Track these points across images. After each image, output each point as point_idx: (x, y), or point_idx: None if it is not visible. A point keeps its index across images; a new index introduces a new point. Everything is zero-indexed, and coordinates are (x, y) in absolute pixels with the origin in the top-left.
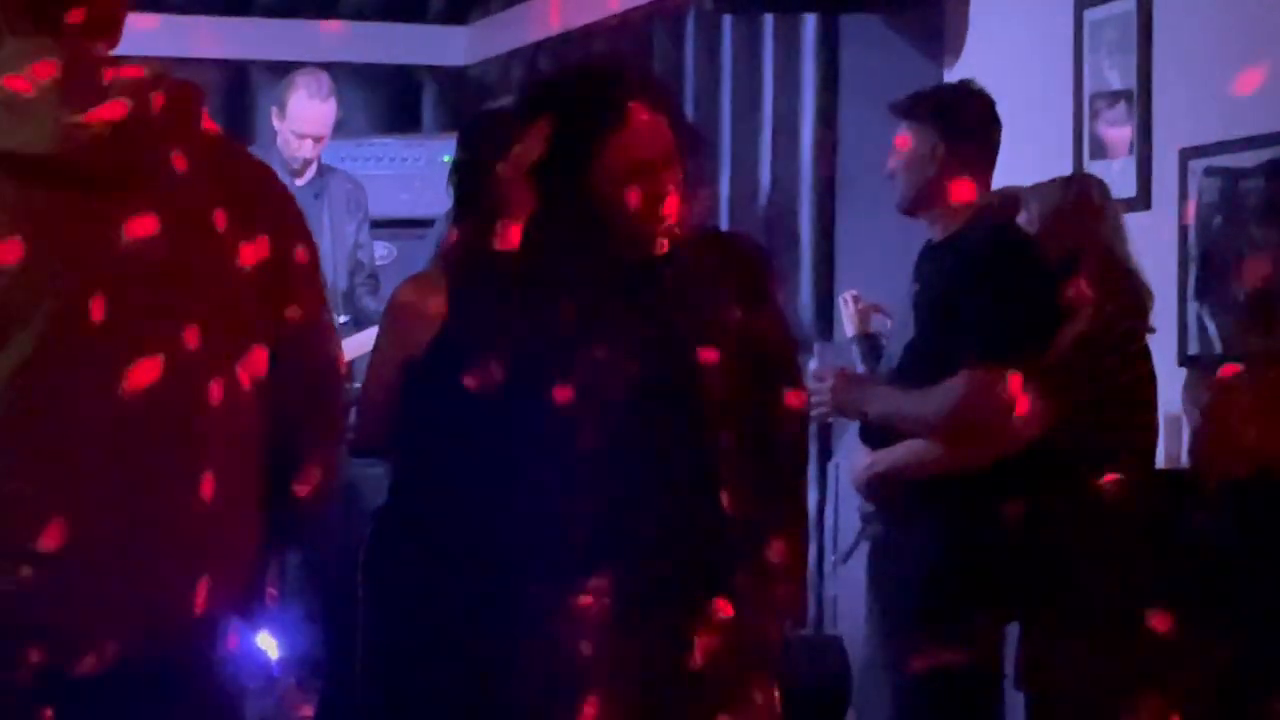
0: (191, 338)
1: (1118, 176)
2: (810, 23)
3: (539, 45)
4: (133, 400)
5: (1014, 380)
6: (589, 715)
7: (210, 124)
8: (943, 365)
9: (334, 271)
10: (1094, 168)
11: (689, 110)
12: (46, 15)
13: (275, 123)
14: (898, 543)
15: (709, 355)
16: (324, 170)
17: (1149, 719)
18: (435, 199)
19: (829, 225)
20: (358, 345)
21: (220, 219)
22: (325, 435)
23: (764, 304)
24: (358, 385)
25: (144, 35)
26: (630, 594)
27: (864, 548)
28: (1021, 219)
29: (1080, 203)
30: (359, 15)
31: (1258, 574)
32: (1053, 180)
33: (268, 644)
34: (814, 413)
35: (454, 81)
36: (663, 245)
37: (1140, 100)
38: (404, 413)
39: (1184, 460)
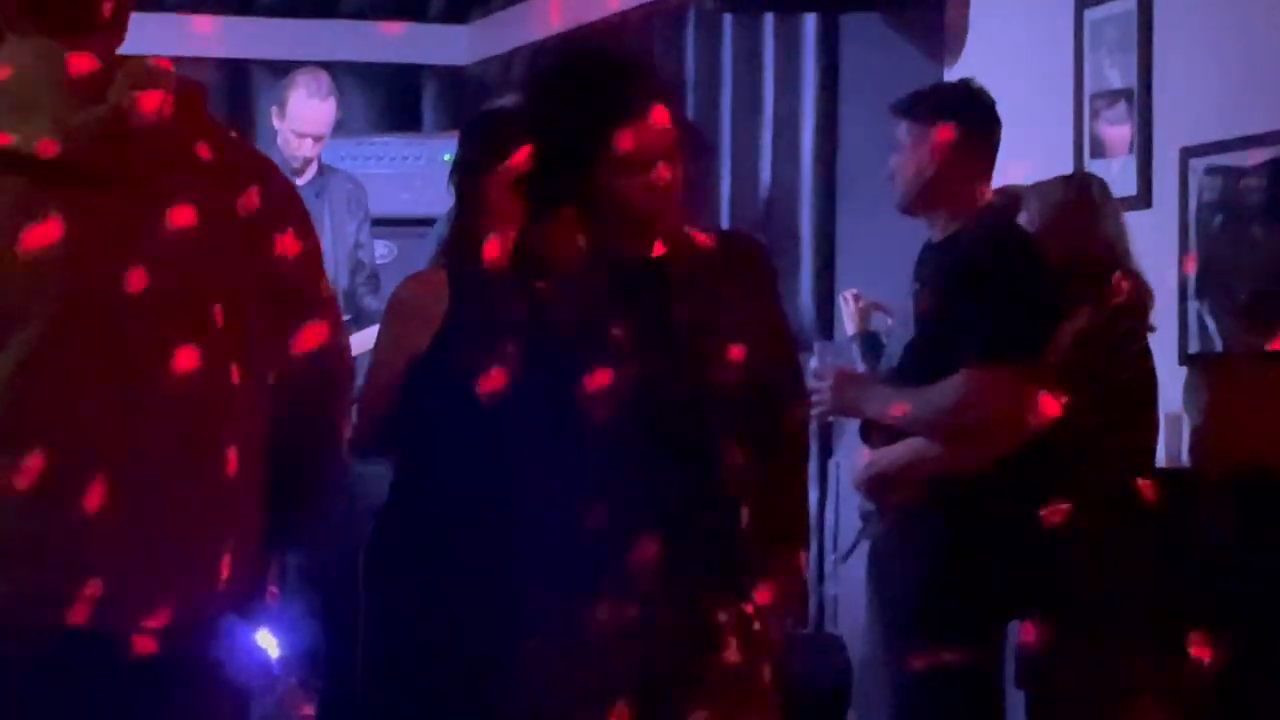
0: (193, 336)
1: (1118, 176)
2: (810, 23)
3: (539, 45)
4: (136, 397)
5: (1014, 380)
6: (590, 715)
7: (213, 121)
8: (943, 365)
9: (334, 271)
10: (1094, 167)
11: (689, 110)
12: (47, 14)
13: (275, 122)
14: (898, 543)
15: (710, 355)
16: (325, 169)
17: (1149, 719)
18: (435, 198)
19: (829, 225)
20: (358, 344)
21: (222, 215)
22: (330, 432)
23: (765, 303)
24: (358, 384)
25: (144, 35)
26: (631, 594)
27: (864, 548)
28: (1021, 219)
29: (1080, 202)
30: (359, 15)
31: (1258, 574)
32: (1053, 179)
33: (268, 643)
34: (814, 412)
35: (454, 81)
36: (664, 241)
37: (1140, 100)
38: (404, 412)
39: (1184, 460)
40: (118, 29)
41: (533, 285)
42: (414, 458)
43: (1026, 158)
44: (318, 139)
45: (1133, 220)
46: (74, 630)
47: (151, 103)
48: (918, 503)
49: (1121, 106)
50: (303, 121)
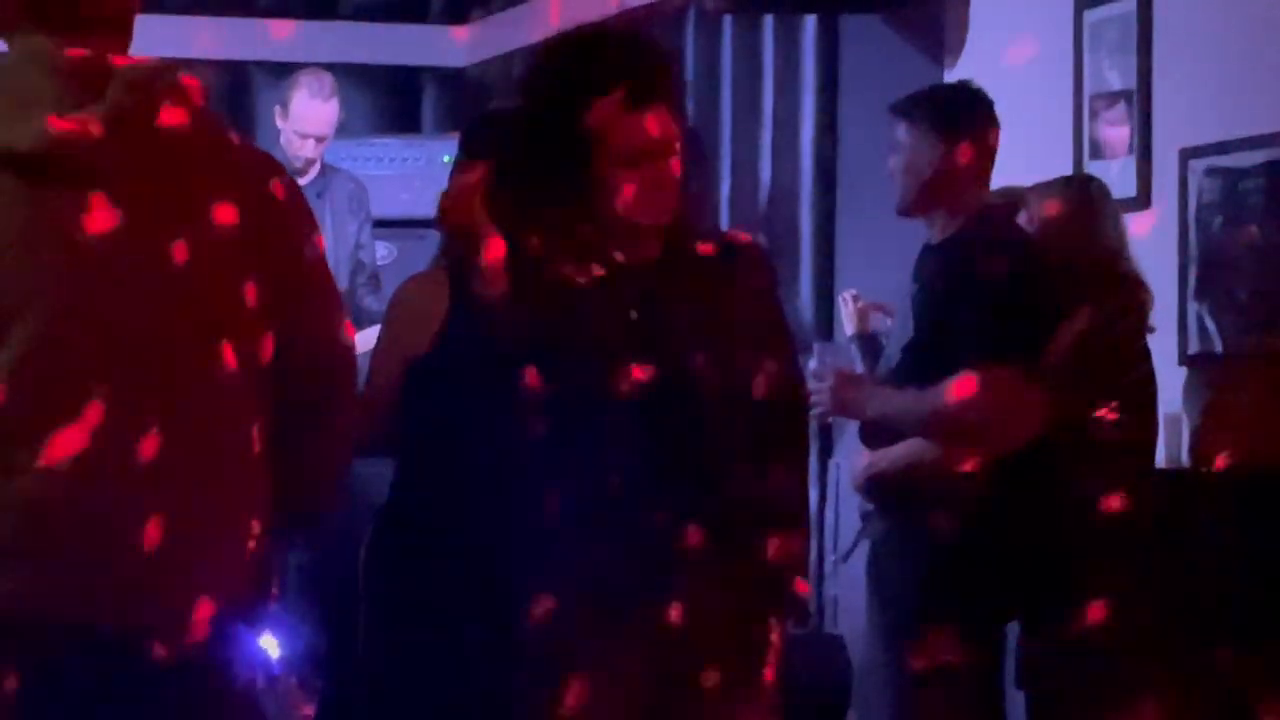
0: (187, 332)
1: (1118, 176)
2: (810, 23)
3: (539, 45)
4: (125, 402)
5: (1013, 380)
6: (591, 715)
7: (212, 121)
8: (942, 365)
9: (335, 271)
10: (1094, 168)
11: (689, 110)
12: (47, 13)
13: (278, 122)
14: (898, 543)
15: (710, 357)
16: (326, 170)
17: (1149, 719)
18: (435, 199)
19: (829, 225)
20: (359, 345)
21: (223, 213)
22: (334, 431)
23: (765, 305)
24: (359, 384)
25: (144, 36)
26: (632, 594)
27: (864, 548)
28: (1021, 219)
29: (1080, 202)
30: (359, 15)
31: (1258, 574)
32: (1053, 180)
33: (268, 644)
34: (814, 413)
35: (454, 81)
36: (664, 243)
37: (1140, 100)
38: (405, 412)
39: (1184, 460)
40: (120, 28)
41: (533, 286)
42: (414, 458)
43: (1026, 158)
44: (320, 140)
45: (1132, 221)
46: (90, 629)
47: (150, 102)
48: (917, 503)
49: (1121, 108)
50: (305, 122)
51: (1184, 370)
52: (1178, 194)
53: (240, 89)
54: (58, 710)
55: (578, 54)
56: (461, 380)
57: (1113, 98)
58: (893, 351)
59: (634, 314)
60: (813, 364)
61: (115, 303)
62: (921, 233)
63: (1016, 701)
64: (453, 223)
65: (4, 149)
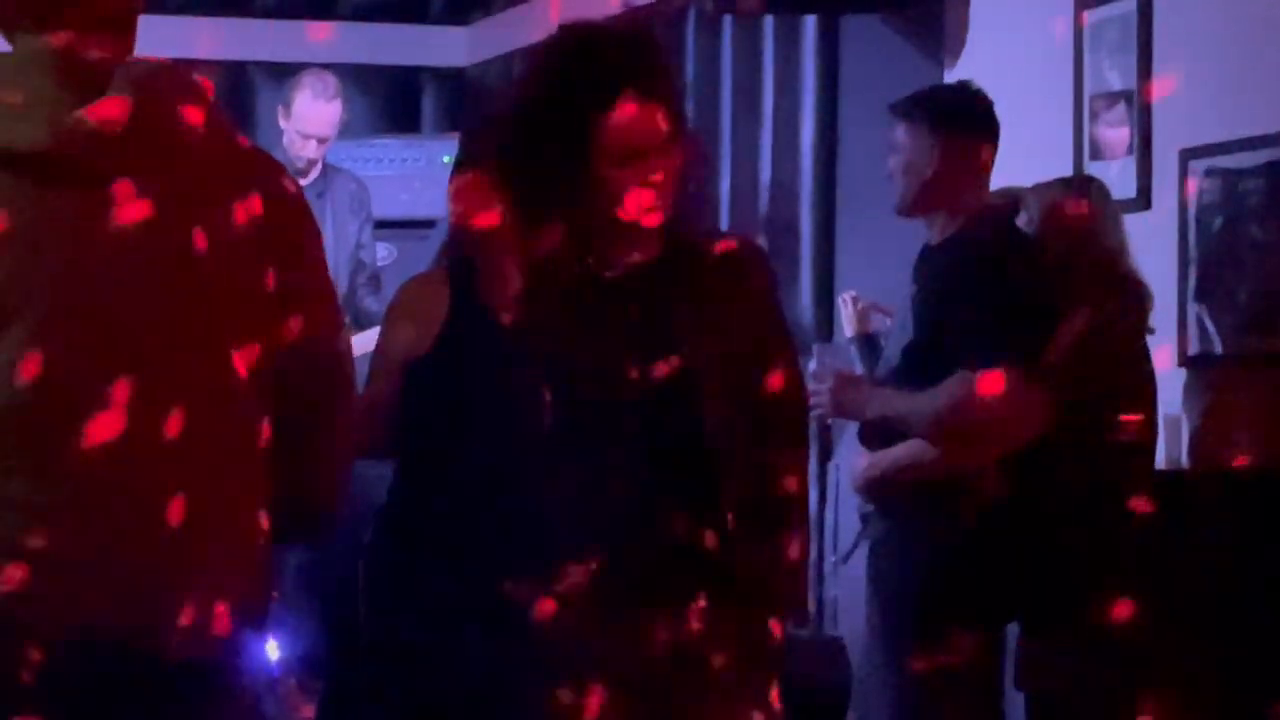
0: (185, 336)
1: (1117, 177)
2: (810, 23)
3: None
4: (125, 401)
5: (1013, 381)
6: (591, 715)
7: (217, 120)
8: (941, 366)
9: (335, 271)
10: (1094, 168)
11: (689, 110)
12: (48, 13)
13: (281, 122)
14: (898, 543)
15: (708, 359)
16: (328, 170)
17: (1149, 719)
18: (435, 199)
19: (829, 225)
20: (359, 346)
21: (222, 215)
22: (335, 435)
23: (764, 307)
24: (359, 385)
25: (143, 35)
26: (633, 596)
27: (864, 548)
28: (1021, 219)
29: (1080, 203)
30: (359, 15)
31: (1257, 574)
32: (1052, 181)
33: (268, 645)
34: (813, 414)
35: (454, 81)
36: (662, 245)
37: (1140, 101)
38: (405, 413)
39: (1184, 461)
40: (122, 28)
41: (534, 288)
42: (414, 459)
43: (1026, 159)
44: (322, 141)
45: (1132, 222)
46: (95, 633)
47: (150, 102)
48: (917, 504)
49: (1121, 108)
50: (308, 123)
51: (1184, 371)
52: (1178, 194)
53: (240, 89)
54: (67, 708)
55: (572, 53)
56: (462, 381)
57: (1113, 98)
58: (892, 352)
59: (634, 314)
60: (812, 365)
61: (133, 295)
62: (921, 233)
63: (1016, 701)
64: (473, 224)
65: (4, 149)
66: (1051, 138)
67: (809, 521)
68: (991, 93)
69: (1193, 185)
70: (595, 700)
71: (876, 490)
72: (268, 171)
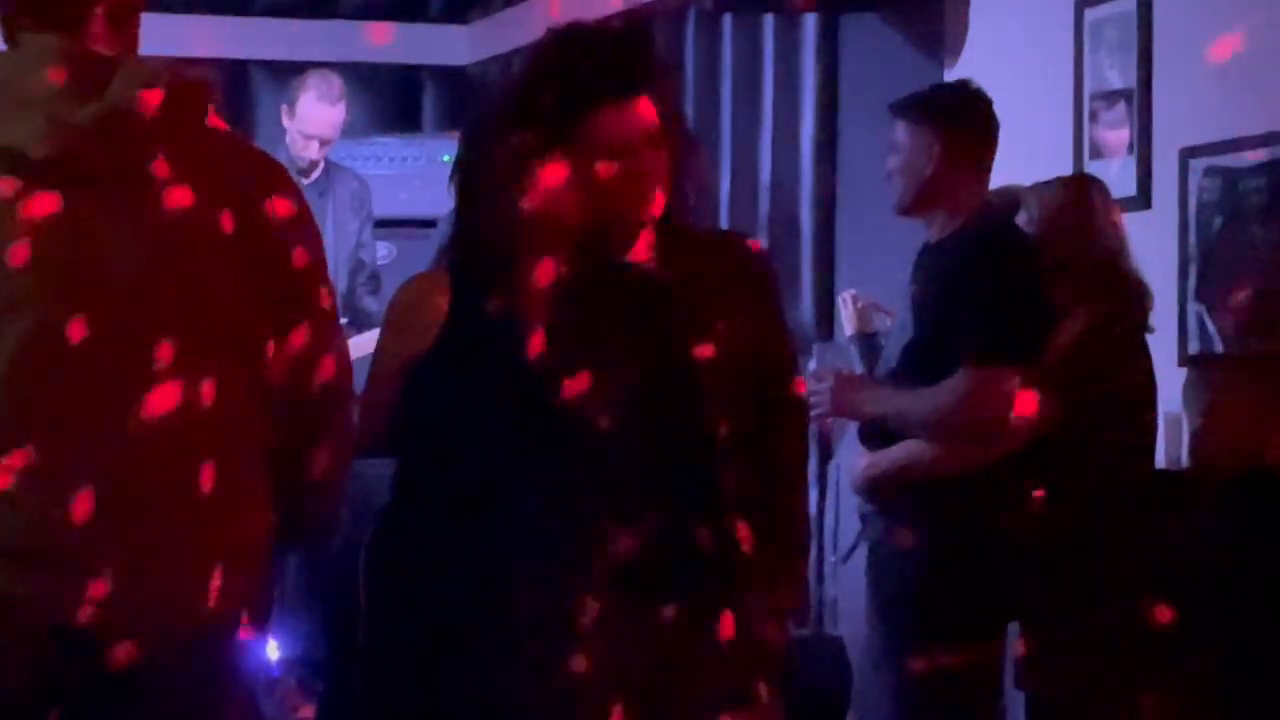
0: (183, 338)
1: (1117, 176)
2: (810, 23)
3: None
4: (124, 402)
5: (1013, 380)
6: (591, 714)
7: (218, 121)
8: (941, 366)
9: (335, 270)
10: (1094, 168)
11: (689, 110)
12: (47, 13)
13: (284, 122)
14: (898, 543)
15: (708, 359)
16: (330, 168)
17: (1149, 719)
18: (435, 199)
19: (829, 225)
20: (359, 347)
21: (221, 217)
22: (334, 438)
23: (764, 306)
24: (359, 386)
25: (143, 34)
26: (633, 595)
27: (864, 548)
28: (1021, 219)
29: (1080, 202)
30: (359, 15)
31: (1257, 574)
32: (1052, 180)
33: (268, 644)
34: (813, 414)
35: (454, 81)
36: (660, 242)
37: (1140, 100)
38: (405, 413)
39: (1184, 460)
40: (122, 28)
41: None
42: (414, 459)
43: (1026, 158)
44: (325, 142)
45: (1132, 221)
46: (68, 632)
47: (151, 101)
48: (915, 504)
49: (1121, 107)
50: (311, 124)
51: (1184, 370)
52: (1178, 194)
53: (240, 89)
54: (67, 707)
55: (561, 49)
56: (462, 381)
57: (1113, 98)
58: (892, 352)
59: (633, 312)
60: (812, 364)
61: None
62: (921, 233)
63: (1016, 701)
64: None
65: (5, 148)
66: (1051, 137)
67: (809, 522)
68: (991, 92)
69: (1193, 185)
70: (594, 699)
71: (876, 490)
72: (267, 173)
